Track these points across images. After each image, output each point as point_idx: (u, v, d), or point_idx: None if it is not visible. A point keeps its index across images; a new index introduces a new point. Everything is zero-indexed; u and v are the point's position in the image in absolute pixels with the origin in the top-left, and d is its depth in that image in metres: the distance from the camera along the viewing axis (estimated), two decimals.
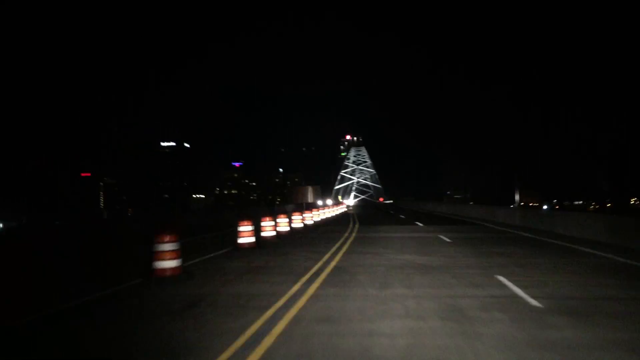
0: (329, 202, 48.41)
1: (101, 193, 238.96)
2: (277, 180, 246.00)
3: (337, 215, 37.07)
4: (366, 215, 40.88)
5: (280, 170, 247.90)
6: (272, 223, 16.78)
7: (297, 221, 22.00)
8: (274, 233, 16.71)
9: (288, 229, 19.33)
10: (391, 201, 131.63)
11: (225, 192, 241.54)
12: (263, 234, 16.30)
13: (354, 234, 19.66)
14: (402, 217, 35.82)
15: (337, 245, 15.52)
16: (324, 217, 29.80)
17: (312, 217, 24.90)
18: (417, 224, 26.28)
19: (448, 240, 16.55)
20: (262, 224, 16.50)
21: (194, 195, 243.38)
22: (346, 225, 25.87)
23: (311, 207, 28.83)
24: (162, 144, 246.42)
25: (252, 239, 14.20)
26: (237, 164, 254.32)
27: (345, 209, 50.79)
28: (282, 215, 19.79)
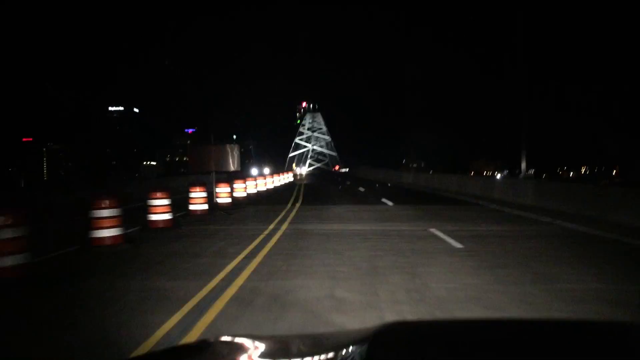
0: (267, 170, 40.56)
1: (44, 159, 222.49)
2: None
3: (277, 187, 28.73)
4: (317, 187, 32.93)
5: (234, 137, 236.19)
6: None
7: (199, 201, 13.73)
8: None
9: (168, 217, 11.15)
10: (347, 169, 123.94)
11: (177, 159, 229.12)
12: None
13: (284, 226, 11.55)
14: (362, 190, 28.12)
15: (232, 265, 7.28)
16: (254, 190, 21.63)
17: (228, 194, 16.55)
18: (386, 203, 18.43)
19: (459, 245, 8.65)
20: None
21: (144, 163, 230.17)
22: (283, 205, 17.78)
23: (237, 177, 20.71)
24: (110, 108, 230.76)
25: None
26: (189, 131, 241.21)
27: (292, 179, 42.64)
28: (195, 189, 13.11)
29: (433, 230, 10.60)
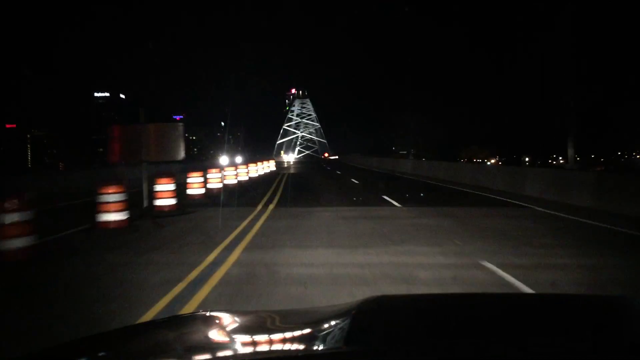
0: (239, 159, 35.21)
1: (28, 146, 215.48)
2: (218, 134, 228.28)
3: (253, 179, 23.37)
4: (303, 177, 27.51)
5: (222, 124, 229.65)
6: None
7: (114, 207, 8.73)
8: None
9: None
10: (336, 157, 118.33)
11: None
12: None
13: (232, 257, 6.54)
14: (355, 182, 23.11)
15: None
16: (218, 185, 16.69)
17: (172, 193, 11.44)
18: (391, 203, 13.55)
19: None
20: None
21: None
22: (251, 206, 12.78)
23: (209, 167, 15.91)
24: (96, 94, 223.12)
25: None
26: (177, 117, 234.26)
27: (275, 168, 36.83)
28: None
29: (489, 265, 5.81)
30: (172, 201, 11.50)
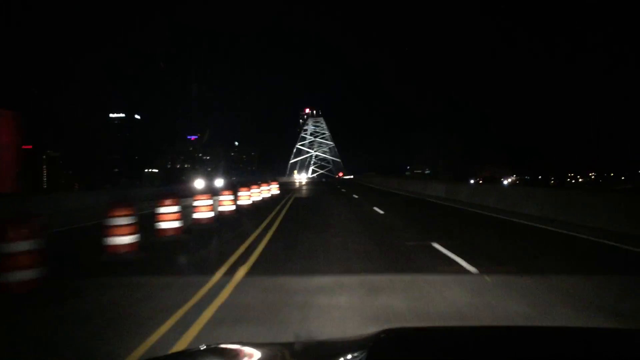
0: (219, 182, 28.51)
1: (44, 167, 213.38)
2: (232, 154, 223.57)
3: (242, 209, 16.92)
4: (310, 205, 21.38)
5: (236, 143, 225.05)
6: None
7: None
8: None
9: None
10: (352, 176, 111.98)
11: (178, 166, 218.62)
12: None
13: None
14: (379, 212, 16.40)
15: None
16: (174, 225, 10.60)
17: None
18: (453, 261, 7.36)
19: None
20: None
21: (146, 170, 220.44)
22: (206, 273, 6.43)
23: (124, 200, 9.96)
24: (111, 115, 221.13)
25: None
26: (192, 137, 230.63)
27: (277, 192, 28.29)
28: None
29: None
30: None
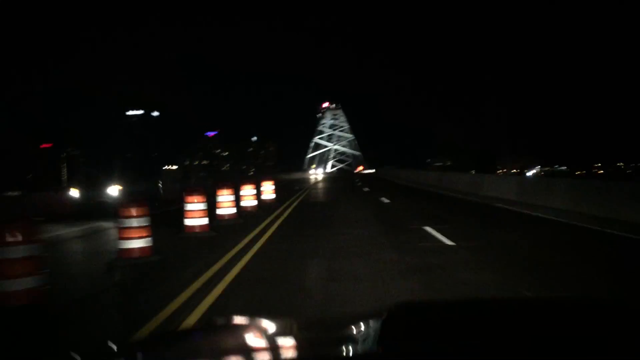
0: (113, 191, 19.91)
1: (64, 165, 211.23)
2: (251, 149, 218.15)
3: (225, 222, 11.42)
4: (318, 212, 14.71)
5: (254, 138, 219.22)
6: None
7: None
8: None
9: None
10: (373, 170, 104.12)
11: (196, 162, 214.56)
12: None
13: None
14: (446, 242, 8.37)
15: None
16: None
17: None
18: None
19: None
20: None
21: (165, 167, 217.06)
22: None
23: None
24: (128, 113, 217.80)
25: None
26: (211, 134, 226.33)
27: (273, 196, 18.19)
28: None
29: None
30: None
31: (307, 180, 56.08)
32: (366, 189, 28.54)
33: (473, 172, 60.41)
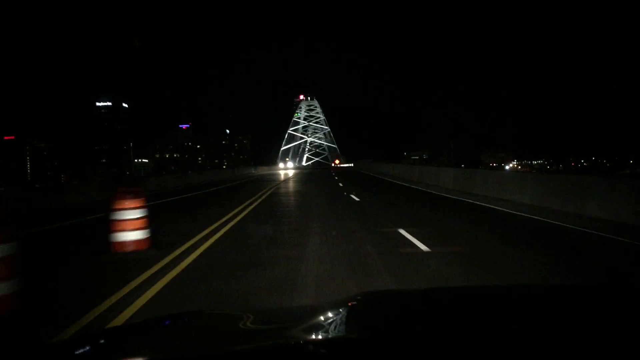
0: None
1: (28, 158, 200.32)
2: (223, 142, 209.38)
3: None
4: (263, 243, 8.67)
5: (227, 131, 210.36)
6: None
7: None
8: None
9: None
10: (351, 165, 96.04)
11: (167, 155, 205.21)
12: None
13: None
14: None
15: None
16: None
17: None
18: None
19: None
20: None
21: (136, 160, 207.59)
22: None
23: None
24: (98, 104, 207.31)
25: None
26: (184, 126, 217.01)
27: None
28: None
29: None
30: None
31: (277, 175, 46.99)
32: (353, 195, 16.38)
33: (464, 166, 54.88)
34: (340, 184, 24.41)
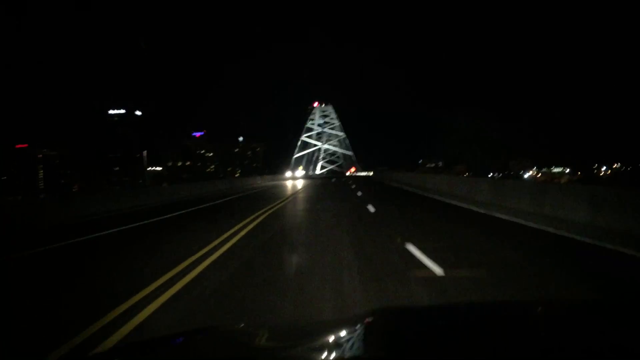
0: None
1: (40, 167, 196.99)
2: (236, 150, 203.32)
3: None
4: None
5: (240, 139, 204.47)
6: None
7: None
8: None
9: None
10: (370, 173, 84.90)
11: (179, 164, 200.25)
12: None
13: None
14: None
15: None
16: None
17: None
18: None
19: None
20: None
21: (149, 168, 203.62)
22: None
23: None
24: (110, 112, 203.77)
25: None
26: (197, 134, 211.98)
27: None
28: None
29: None
30: None
31: (283, 186, 35.93)
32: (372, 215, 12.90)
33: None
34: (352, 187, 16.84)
